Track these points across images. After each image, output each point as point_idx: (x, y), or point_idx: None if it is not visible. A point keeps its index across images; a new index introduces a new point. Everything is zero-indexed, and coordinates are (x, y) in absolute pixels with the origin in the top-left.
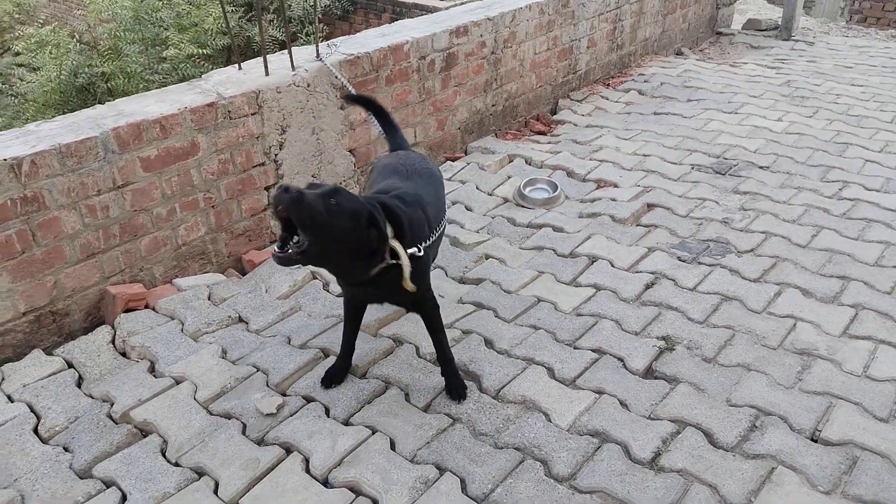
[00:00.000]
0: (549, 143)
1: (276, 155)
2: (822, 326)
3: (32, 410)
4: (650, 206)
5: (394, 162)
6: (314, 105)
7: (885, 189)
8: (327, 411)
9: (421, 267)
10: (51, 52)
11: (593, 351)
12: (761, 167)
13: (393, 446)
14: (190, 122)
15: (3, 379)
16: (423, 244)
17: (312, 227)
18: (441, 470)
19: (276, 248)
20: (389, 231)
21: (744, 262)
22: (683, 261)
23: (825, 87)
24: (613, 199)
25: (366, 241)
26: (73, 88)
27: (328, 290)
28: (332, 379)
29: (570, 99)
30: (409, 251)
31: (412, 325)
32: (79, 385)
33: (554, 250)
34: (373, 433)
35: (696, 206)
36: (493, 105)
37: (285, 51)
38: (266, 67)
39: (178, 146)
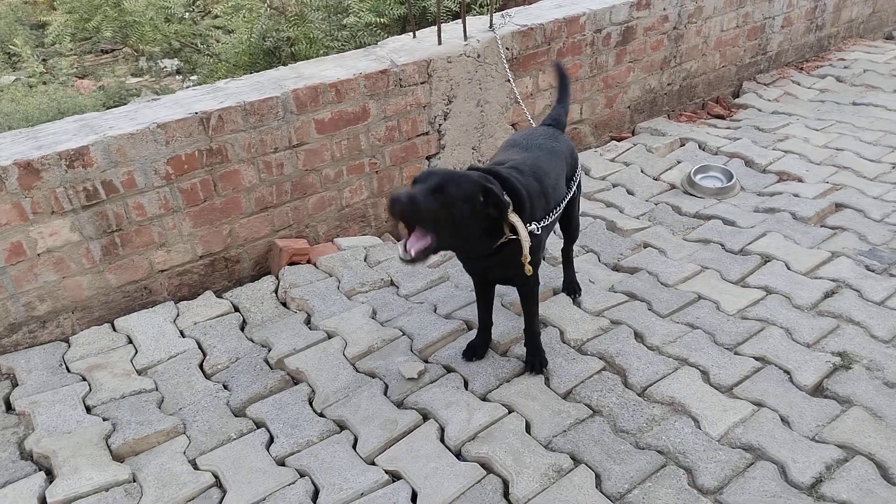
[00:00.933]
0: (728, 128)
1: (440, 125)
2: None
3: (200, 347)
4: (839, 207)
5: (519, 136)
6: (482, 76)
7: None
8: (466, 384)
9: (536, 242)
10: (244, 17)
11: (756, 359)
12: None
13: (528, 429)
14: (363, 88)
15: (178, 315)
16: (543, 221)
17: (433, 223)
18: (576, 461)
19: (400, 249)
20: (508, 202)
21: None
22: (872, 270)
23: None
24: (796, 195)
25: (485, 219)
26: (261, 51)
27: None
28: (475, 352)
29: (757, 82)
30: (529, 228)
31: (558, 308)
32: (242, 328)
33: (722, 245)
34: (509, 412)
35: (893, 211)
36: (668, 84)
37: (459, 20)
38: (439, 36)
39: (351, 111)
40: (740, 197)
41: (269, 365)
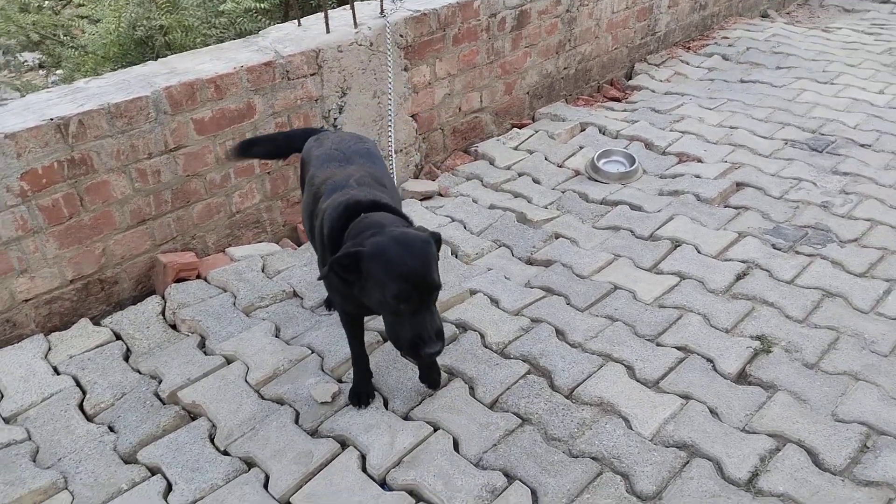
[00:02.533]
0: (625, 110)
1: (335, 119)
2: None
3: (78, 384)
4: (739, 186)
5: (327, 149)
6: (376, 66)
7: None
8: (386, 403)
9: None
10: (110, 5)
11: (678, 349)
12: (862, 145)
13: (456, 447)
14: (246, 83)
15: (50, 348)
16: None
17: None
18: (510, 478)
19: (433, 348)
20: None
21: (847, 252)
22: (779, 249)
23: None
24: (697, 176)
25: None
26: (132, 41)
27: None
28: (369, 395)
29: (648, 63)
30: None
31: (476, 310)
32: (126, 359)
33: (632, 231)
34: (434, 430)
35: (791, 187)
36: (564, 68)
37: (347, 6)
38: (327, 24)
39: (234, 108)
40: (644, 180)
41: (160, 399)
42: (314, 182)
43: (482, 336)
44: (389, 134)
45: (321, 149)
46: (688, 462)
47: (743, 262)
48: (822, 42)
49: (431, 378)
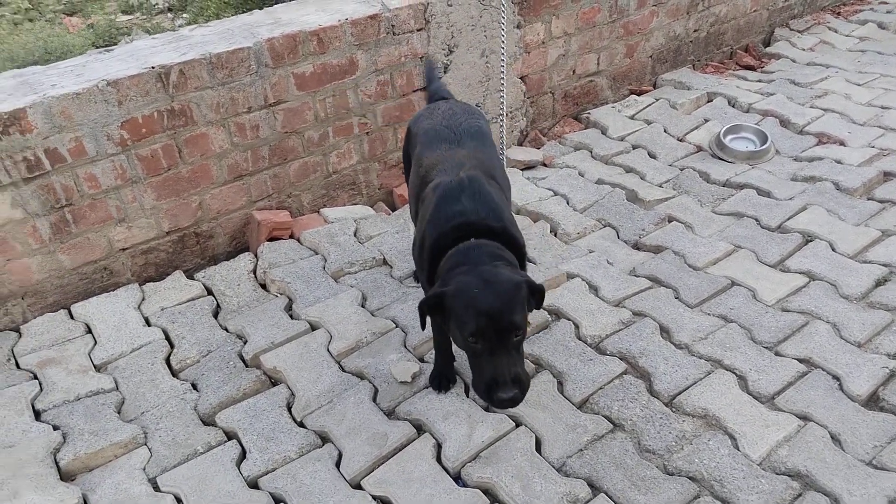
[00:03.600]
0: (760, 81)
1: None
2: None
3: (167, 338)
4: (888, 176)
5: (436, 124)
6: (487, 22)
7: None
8: (467, 390)
9: None
10: None
11: (800, 361)
12: None
13: (539, 447)
14: (350, 37)
15: (143, 299)
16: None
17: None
18: (594, 489)
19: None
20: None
21: None
22: None
23: None
24: (839, 162)
25: None
26: None
27: None
28: (450, 380)
29: (790, 28)
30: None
31: (572, 296)
32: (215, 315)
33: (757, 220)
34: (516, 426)
35: None
36: (695, 31)
37: None
38: None
39: (336, 63)
40: (775, 162)
41: (243, 361)
42: (422, 163)
43: (577, 326)
44: (501, 98)
45: (430, 121)
46: (800, 495)
47: (885, 265)
48: None
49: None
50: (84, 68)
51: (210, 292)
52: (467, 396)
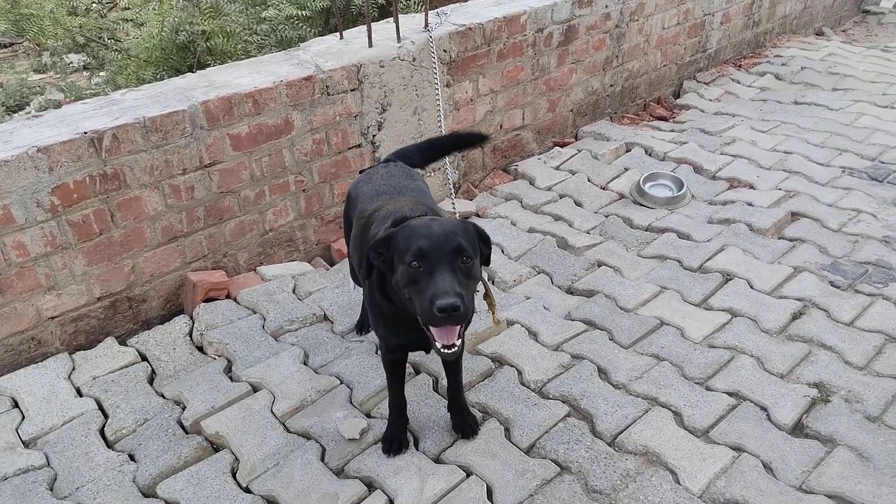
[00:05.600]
0: (672, 130)
1: (373, 136)
2: None
3: (101, 408)
4: (794, 216)
5: (376, 185)
6: (418, 81)
7: None
8: (416, 442)
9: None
10: (154, 9)
11: (730, 394)
12: None
13: (490, 496)
14: (285, 98)
15: (74, 368)
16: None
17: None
18: None
19: (441, 344)
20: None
21: None
22: (837, 286)
23: None
24: (750, 204)
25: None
26: (174, 46)
27: None
28: (402, 444)
29: (697, 81)
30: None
31: (515, 344)
32: (151, 381)
33: (679, 262)
34: (467, 476)
35: (850, 220)
36: (611, 85)
37: (389, 19)
38: (370, 38)
39: (272, 123)
40: (692, 206)
41: (183, 428)
42: (364, 214)
43: (519, 372)
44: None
45: (370, 185)
46: None
47: (799, 299)
48: (882, 63)
49: (465, 424)
50: (12, 135)
51: (144, 358)
52: (416, 449)
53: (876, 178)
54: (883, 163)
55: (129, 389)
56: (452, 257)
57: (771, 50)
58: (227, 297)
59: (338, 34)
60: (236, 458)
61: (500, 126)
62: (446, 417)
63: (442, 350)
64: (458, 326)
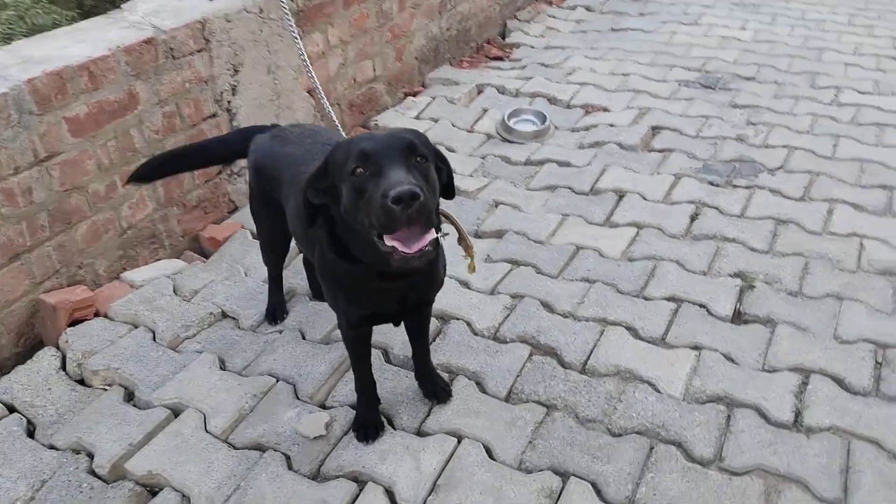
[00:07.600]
0: (514, 68)
1: (228, 102)
2: (890, 242)
3: None
4: (655, 129)
5: (300, 146)
6: (268, 36)
7: (878, 91)
8: (391, 422)
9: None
10: None
11: (667, 300)
12: (747, 78)
13: (490, 454)
14: (125, 66)
15: None
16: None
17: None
18: (562, 476)
19: (410, 249)
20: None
21: (779, 180)
22: (716, 185)
23: None
24: (612, 125)
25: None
26: None
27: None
28: (378, 427)
29: (518, 20)
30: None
31: (451, 297)
32: (31, 434)
33: (570, 188)
34: (459, 441)
35: (703, 125)
36: (447, 29)
37: None
38: None
39: (114, 99)
40: (559, 136)
41: (100, 478)
42: (303, 179)
43: (468, 324)
44: (329, 110)
45: (290, 146)
46: (730, 415)
47: (690, 202)
48: None
49: (437, 388)
50: None
51: (12, 409)
52: (394, 429)
53: (709, 85)
54: (709, 72)
55: (7, 451)
56: (403, 155)
57: None
58: (96, 315)
59: None
60: (184, 496)
61: (354, 80)
62: (413, 388)
63: (412, 259)
64: (426, 232)
